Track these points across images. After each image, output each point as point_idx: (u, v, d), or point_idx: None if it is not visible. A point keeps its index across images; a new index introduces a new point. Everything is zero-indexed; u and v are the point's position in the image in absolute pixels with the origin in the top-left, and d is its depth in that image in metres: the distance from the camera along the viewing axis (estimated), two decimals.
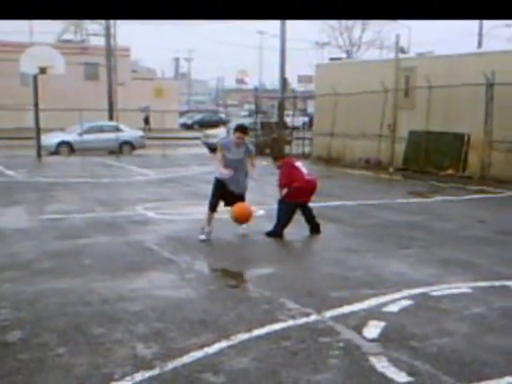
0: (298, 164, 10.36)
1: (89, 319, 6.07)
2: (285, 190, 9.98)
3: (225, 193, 9.85)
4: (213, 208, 9.86)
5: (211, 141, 29.51)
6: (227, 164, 9.69)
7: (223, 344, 5.44)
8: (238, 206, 9.76)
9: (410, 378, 4.80)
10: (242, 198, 9.95)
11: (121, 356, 5.21)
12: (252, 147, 10.24)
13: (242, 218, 9.83)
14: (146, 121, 48.19)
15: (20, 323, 5.97)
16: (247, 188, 10.11)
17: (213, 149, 28.64)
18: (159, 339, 5.57)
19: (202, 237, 9.71)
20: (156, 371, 4.90)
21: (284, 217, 10.01)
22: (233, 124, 34.24)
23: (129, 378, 4.78)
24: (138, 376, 4.81)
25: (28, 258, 8.49)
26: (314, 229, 10.22)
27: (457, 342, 5.56)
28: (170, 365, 5.02)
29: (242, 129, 9.99)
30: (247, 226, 10.18)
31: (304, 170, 10.23)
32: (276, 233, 9.94)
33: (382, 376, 4.85)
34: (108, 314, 6.24)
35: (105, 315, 6.20)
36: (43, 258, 8.54)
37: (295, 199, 10.01)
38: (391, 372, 4.90)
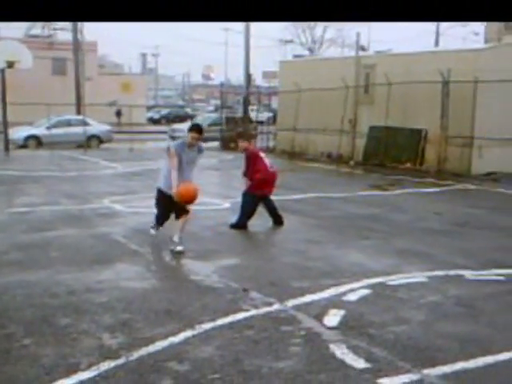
0: (262, 155, 10.39)
1: (55, 310, 6.01)
2: (249, 182, 10.00)
3: (171, 202, 8.56)
4: (161, 222, 8.98)
5: (178, 135, 29.37)
6: (180, 166, 8.54)
7: (188, 333, 5.43)
8: (182, 186, 8.40)
9: (368, 365, 4.85)
10: None
11: (87, 346, 5.16)
12: (203, 147, 9.28)
13: (187, 197, 8.43)
14: (118, 114, 47.65)
15: None
16: None
17: None
18: (125, 329, 5.54)
19: (152, 232, 9.09)
20: (121, 360, 4.87)
21: (248, 209, 10.01)
22: (199, 118, 34.24)
23: (95, 367, 4.74)
24: (104, 365, 4.77)
25: None
26: (277, 221, 10.25)
27: (413, 330, 5.64)
28: (136, 354, 4.99)
29: (198, 129, 8.88)
30: (213, 218, 10.17)
31: (267, 160, 10.26)
32: (239, 225, 9.93)
33: (342, 362, 4.89)
34: (75, 305, 6.18)
35: (71, 306, 6.13)
36: (11, 250, 8.41)
37: (260, 190, 10.02)
38: (350, 359, 4.95)
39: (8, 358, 4.93)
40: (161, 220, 8.96)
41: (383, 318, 5.91)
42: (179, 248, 8.41)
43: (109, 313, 5.96)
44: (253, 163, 10.10)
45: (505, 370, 4.86)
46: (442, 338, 5.42)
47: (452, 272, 7.55)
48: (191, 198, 8.48)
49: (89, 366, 4.76)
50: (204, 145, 9.90)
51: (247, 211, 10.00)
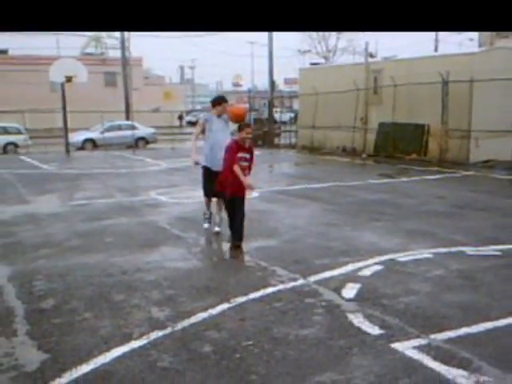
0: None
1: (111, 288, 6.04)
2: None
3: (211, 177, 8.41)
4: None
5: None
6: (212, 132, 8.41)
7: (224, 306, 5.41)
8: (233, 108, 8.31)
9: (381, 331, 4.78)
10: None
11: (138, 318, 5.18)
12: (226, 118, 8.44)
13: (239, 115, 8.06)
14: (180, 118, 48.25)
15: (53, 293, 5.93)
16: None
17: None
18: (170, 303, 5.54)
19: (206, 225, 8.80)
20: (168, 330, 4.87)
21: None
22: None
23: (145, 336, 4.75)
24: (153, 335, 4.78)
25: (59, 238, 8.43)
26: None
27: (421, 300, 5.54)
28: (180, 325, 4.99)
29: (223, 100, 8.59)
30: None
31: None
32: None
33: (359, 330, 4.83)
34: (127, 283, 6.21)
35: (124, 284, 6.16)
36: (72, 237, 8.48)
37: None
38: (366, 326, 4.89)
39: (71, 329, 4.96)
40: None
41: (394, 290, 5.82)
42: (217, 229, 8.60)
43: (156, 289, 5.97)
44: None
45: (503, 334, 4.75)
46: (447, 307, 5.33)
47: (454, 249, 7.41)
48: (241, 113, 8.10)
49: (140, 336, 4.77)
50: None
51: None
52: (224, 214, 8.23)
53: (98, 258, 7.24)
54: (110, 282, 6.27)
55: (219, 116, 8.43)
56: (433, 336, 4.66)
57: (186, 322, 5.04)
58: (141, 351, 4.50)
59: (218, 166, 8.04)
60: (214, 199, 8.66)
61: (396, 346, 4.50)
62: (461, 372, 4.07)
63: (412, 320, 5.01)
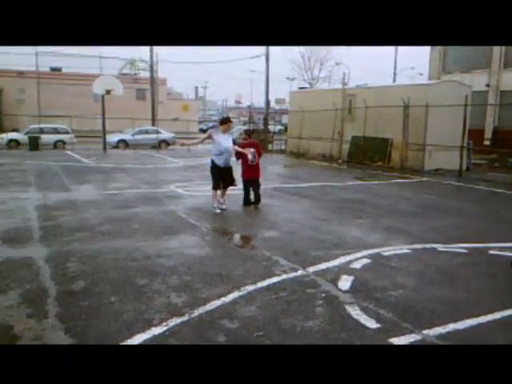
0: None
1: (135, 272, 5.24)
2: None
3: (220, 173, 8.74)
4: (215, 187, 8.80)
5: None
6: (219, 144, 8.60)
7: (235, 294, 4.63)
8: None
9: (378, 325, 4.02)
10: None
11: (159, 304, 4.39)
12: (233, 136, 9.43)
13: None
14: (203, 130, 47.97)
15: (83, 275, 5.13)
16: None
17: None
18: (187, 290, 4.75)
19: (218, 211, 8.60)
20: (185, 317, 4.09)
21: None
22: (234, 130, 33.17)
23: (164, 323, 3.97)
24: (172, 322, 4.00)
25: (92, 223, 7.59)
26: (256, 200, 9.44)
27: (408, 294, 4.78)
28: (196, 312, 4.21)
29: (225, 120, 8.96)
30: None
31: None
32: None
33: (357, 322, 4.07)
34: (150, 268, 5.40)
35: (147, 269, 5.35)
36: (104, 222, 7.65)
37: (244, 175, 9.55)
38: (364, 319, 4.13)
39: (98, 313, 4.17)
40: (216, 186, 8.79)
41: (383, 283, 5.05)
42: (217, 211, 8.54)
43: (175, 275, 5.18)
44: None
45: (485, 331, 4.02)
46: (432, 302, 4.57)
47: (427, 245, 6.63)
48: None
49: (160, 322, 3.99)
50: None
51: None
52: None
53: (125, 243, 6.41)
54: (134, 266, 5.45)
55: (224, 132, 8.74)
56: (425, 332, 3.92)
57: (201, 309, 4.25)
58: (161, 339, 3.71)
59: (226, 164, 8.76)
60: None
61: (394, 340, 3.76)
62: None
63: (404, 314, 4.25)
